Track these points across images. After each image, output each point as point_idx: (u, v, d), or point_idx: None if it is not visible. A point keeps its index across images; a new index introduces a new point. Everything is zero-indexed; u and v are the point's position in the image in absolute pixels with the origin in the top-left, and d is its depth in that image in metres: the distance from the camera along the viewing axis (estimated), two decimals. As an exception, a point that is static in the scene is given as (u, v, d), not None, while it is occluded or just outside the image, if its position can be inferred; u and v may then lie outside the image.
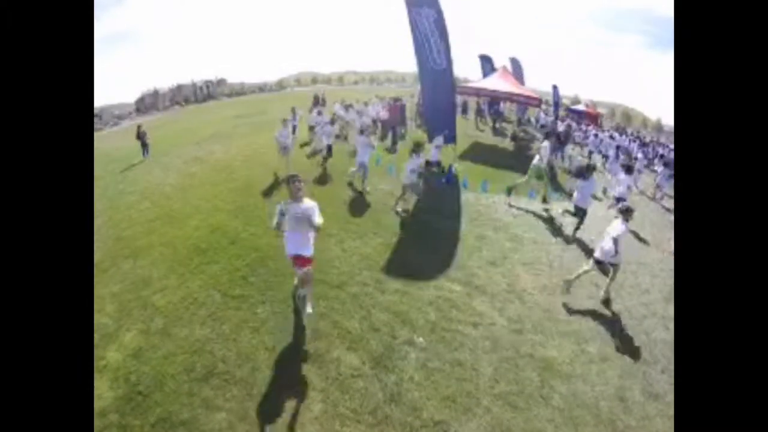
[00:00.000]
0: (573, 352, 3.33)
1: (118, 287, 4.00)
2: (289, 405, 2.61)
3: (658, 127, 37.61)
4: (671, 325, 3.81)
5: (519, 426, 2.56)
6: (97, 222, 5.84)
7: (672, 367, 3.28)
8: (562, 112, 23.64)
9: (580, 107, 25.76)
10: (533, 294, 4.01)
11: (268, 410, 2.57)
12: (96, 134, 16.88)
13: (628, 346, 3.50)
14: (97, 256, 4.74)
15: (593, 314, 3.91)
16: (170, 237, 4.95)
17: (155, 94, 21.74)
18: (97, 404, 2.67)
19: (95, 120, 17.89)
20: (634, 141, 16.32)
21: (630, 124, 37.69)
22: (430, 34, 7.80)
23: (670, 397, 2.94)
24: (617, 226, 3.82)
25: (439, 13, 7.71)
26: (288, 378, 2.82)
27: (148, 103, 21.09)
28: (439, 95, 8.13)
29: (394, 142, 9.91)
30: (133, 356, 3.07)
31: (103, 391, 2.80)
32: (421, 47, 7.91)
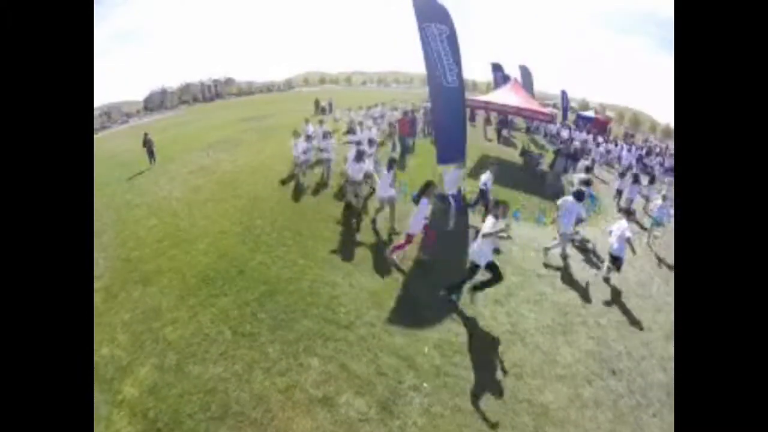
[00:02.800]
0: (568, 397, 3.42)
1: (128, 316, 4.12)
2: (300, 451, 2.74)
3: (667, 131, 37.04)
4: (669, 366, 3.88)
5: (515, 477, 2.67)
6: (104, 238, 5.96)
7: (665, 410, 3.38)
8: (570, 117, 23.49)
9: (590, 114, 25.52)
10: (535, 335, 4.09)
11: (280, 456, 2.70)
12: (104, 132, 17.09)
13: (623, 390, 3.57)
14: (106, 279, 4.88)
15: (593, 355, 3.96)
16: (178, 262, 5.07)
17: (163, 92, 21.85)
18: (117, 439, 2.77)
19: (104, 118, 18.04)
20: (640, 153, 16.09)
21: (638, 128, 37.17)
22: (442, 52, 7.67)
23: (659, 442, 3.04)
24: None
25: (452, 29, 7.58)
26: (299, 421, 2.94)
27: (156, 102, 21.22)
28: (449, 114, 8.00)
29: (404, 154, 9.86)
30: (149, 392, 3.19)
31: (123, 426, 2.93)
32: (433, 65, 7.76)
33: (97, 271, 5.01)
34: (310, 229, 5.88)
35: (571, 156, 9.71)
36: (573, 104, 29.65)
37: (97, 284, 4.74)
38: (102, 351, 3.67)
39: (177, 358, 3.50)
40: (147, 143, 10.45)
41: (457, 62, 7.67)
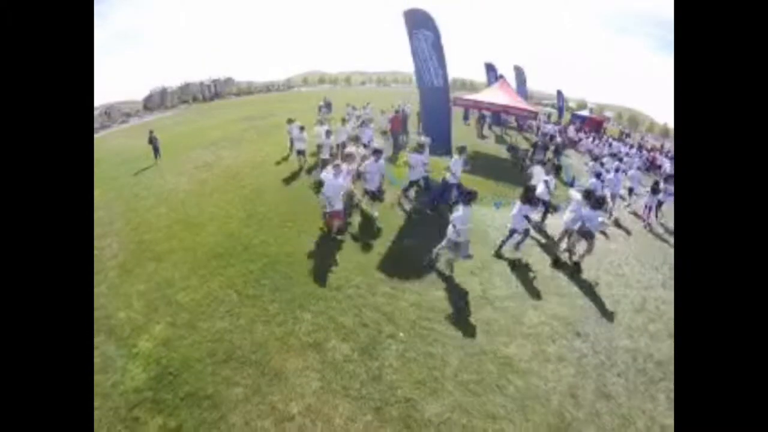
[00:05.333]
0: (533, 352, 3.73)
1: (143, 286, 4.57)
2: (293, 382, 3.26)
3: (665, 132, 37.42)
4: (636, 335, 4.09)
5: (475, 408, 3.13)
6: (117, 225, 6.40)
7: (630, 373, 3.54)
8: (566, 117, 24.08)
9: (585, 113, 26.09)
10: (504, 301, 4.58)
11: (276, 386, 3.22)
12: (106, 132, 17.47)
13: (587, 350, 3.78)
14: (121, 258, 5.32)
15: (558, 318, 4.29)
16: (189, 242, 5.58)
17: (163, 92, 22.30)
18: (131, 384, 3.23)
19: (104, 117, 18.42)
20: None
21: (636, 128, 37.54)
22: (428, 56, 8.45)
23: (623, 399, 3.25)
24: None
25: (437, 35, 8.30)
26: (293, 361, 3.46)
27: (156, 101, 21.66)
28: (436, 112, 8.82)
29: (396, 150, 10.44)
30: (162, 345, 3.65)
31: (137, 374, 3.34)
32: (420, 68, 8.60)
33: (110, 253, 5.44)
34: (308, 214, 6.39)
35: (547, 148, 10.37)
36: (571, 104, 30.13)
37: (112, 262, 5.19)
38: (119, 315, 4.08)
39: (189, 317, 4.01)
40: (152, 140, 10.92)
41: (442, 65, 8.39)
